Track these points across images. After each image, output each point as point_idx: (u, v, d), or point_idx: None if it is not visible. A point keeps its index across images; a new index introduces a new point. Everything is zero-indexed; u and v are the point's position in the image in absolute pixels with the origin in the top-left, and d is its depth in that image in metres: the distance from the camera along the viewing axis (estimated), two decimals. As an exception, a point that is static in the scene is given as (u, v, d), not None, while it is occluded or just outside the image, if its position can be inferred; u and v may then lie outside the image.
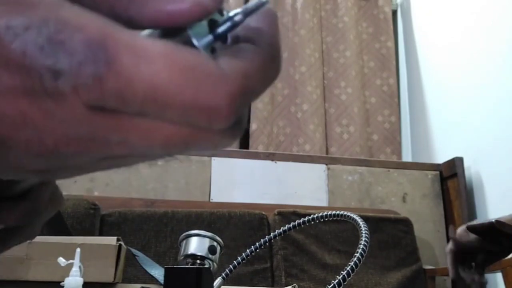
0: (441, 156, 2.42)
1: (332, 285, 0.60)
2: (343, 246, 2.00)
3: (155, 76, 0.15)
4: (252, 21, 0.18)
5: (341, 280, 0.59)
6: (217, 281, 0.72)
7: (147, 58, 0.15)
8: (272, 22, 0.19)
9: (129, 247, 1.09)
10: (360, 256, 0.62)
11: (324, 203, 2.25)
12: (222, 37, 0.18)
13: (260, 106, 2.59)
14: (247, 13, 0.17)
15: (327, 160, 2.38)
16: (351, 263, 0.61)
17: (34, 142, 0.16)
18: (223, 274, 0.74)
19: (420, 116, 2.77)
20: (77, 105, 0.15)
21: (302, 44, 2.76)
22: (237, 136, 0.18)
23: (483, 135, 2.16)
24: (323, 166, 2.31)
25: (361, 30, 2.95)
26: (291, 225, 0.76)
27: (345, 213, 0.73)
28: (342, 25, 2.86)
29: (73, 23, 0.15)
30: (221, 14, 0.18)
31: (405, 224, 2.10)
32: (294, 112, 2.67)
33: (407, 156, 2.82)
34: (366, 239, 0.64)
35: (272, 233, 0.77)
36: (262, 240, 0.76)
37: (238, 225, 1.95)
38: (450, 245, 0.79)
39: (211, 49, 0.18)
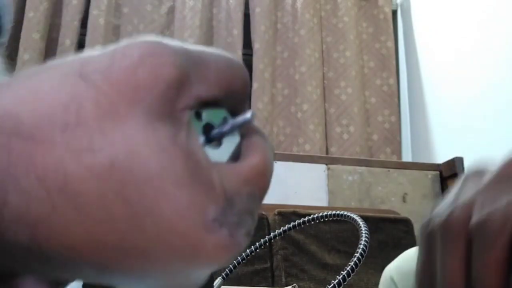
0: (441, 156, 2.42)
1: (332, 285, 0.60)
2: (343, 246, 2.00)
3: None
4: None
5: (341, 280, 0.59)
6: (217, 281, 0.72)
7: None
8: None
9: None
10: (360, 256, 0.62)
11: (324, 203, 2.25)
12: (213, 140, 0.20)
13: (260, 106, 2.59)
14: (234, 127, 0.20)
15: (327, 160, 2.38)
16: (351, 263, 0.61)
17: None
18: (223, 274, 0.74)
19: (420, 116, 2.77)
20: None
21: (302, 44, 2.75)
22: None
23: (483, 135, 2.16)
24: (323, 166, 2.31)
25: (361, 30, 2.95)
26: (291, 225, 0.76)
27: (345, 213, 0.73)
28: (342, 25, 2.86)
29: (238, 189, 0.18)
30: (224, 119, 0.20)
31: (405, 224, 2.10)
32: (294, 112, 2.67)
33: (407, 156, 2.82)
34: (366, 239, 0.64)
35: (272, 233, 0.77)
36: (262, 240, 0.76)
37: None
38: None
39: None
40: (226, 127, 0.20)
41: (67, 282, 0.19)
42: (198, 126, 0.19)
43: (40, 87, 0.16)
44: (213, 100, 0.19)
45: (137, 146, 0.16)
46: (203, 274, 0.19)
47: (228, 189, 0.18)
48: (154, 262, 0.17)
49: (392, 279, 0.78)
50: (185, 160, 0.17)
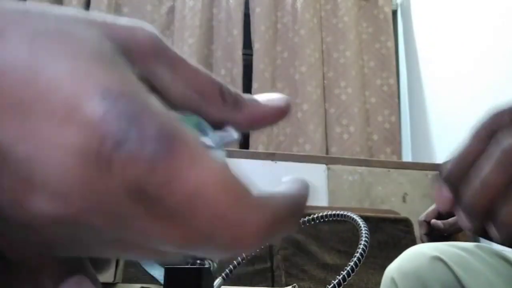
0: (441, 156, 2.42)
1: (332, 285, 0.60)
2: (343, 246, 2.00)
3: (202, 184, 0.16)
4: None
5: (341, 280, 0.59)
6: (217, 281, 0.72)
7: (203, 168, 0.16)
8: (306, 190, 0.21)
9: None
10: (360, 256, 0.62)
11: (324, 203, 2.25)
12: None
13: (260, 106, 2.59)
14: (218, 144, 0.20)
15: (327, 160, 2.38)
16: (351, 263, 0.61)
17: (58, 202, 0.16)
18: (223, 274, 0.74)
19: (420, 116, 2.77)
20: (117, 181, 0.16)
21: (302, 44, 2.75)
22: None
23: (483, 135, 2.16)
24: (323, 166, 2.31)
25: (361, 30, 2.95)
26: (291, 225, 0.76)
27: (345, 213, 0.73)
28: (342, 25, 2.86)
29: (155, 109, 0.16)
30: (202, 131, 0.20)
31: (405, 224, 2.10)
32: (294, 112, 2.67)
33: (407, 156, 2.82)
34: (366, 239, 0.64)
35: (272, 233, 0.77)
36: (262, 240, 0.76)
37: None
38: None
39: None
40: (213, 144, 0.20)
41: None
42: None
43: None
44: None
45: None
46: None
47: (151, 102, 0.17)
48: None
49: (393, 280, 0.78)
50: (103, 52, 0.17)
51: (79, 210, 0.16)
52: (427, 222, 0.86)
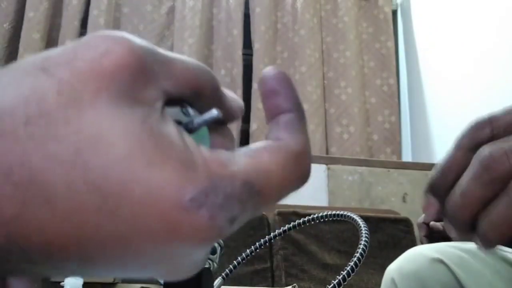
0: (441, 156, 2.41)
1: (332, 285, 0.60)
2: (343, 246, 2.00)
3: (280, 180, 0.20)
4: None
5: (341, 280, 0.59)
6: (217, 281, 0.72)
7: (270, 171, 0.19)
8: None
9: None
10: (360, 256, 0.62)
11: (324, 203, 2.25)
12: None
13: (260, 106, 2.59)
14: (200, 123, 0.20)
15: (327, 160, 2.38)
16: (351, 263, 0.61)
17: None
18: (223, 274, 0.74)
19: (420, 116, 2.77)
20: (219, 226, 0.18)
21: (302, 44, 2.75)
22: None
23: (483, 135, 2.16)
24: (323, 166, 2.31)
25: (361, 30, 2.95)
26: (291, 225, 0.76)
27: (345, 213, 0.73)
28: (342, 25, 2.86)
29: (228, 173, 0.18)
30: (184, 112, 0.21)
31: (405, 224, 2.10)
32: (294, 112, 2.67)
33: (407, 156, 2.82)
34: (366, 239, 0.64)
35: (272, 233, 0.77)
36: (262, 240, 0.76)
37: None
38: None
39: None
40: (195, 124, 0.20)
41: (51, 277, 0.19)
42: None
43: (0, 85, 0.16)
44: (180, 98, 0.20)
45: (103, 130, 0.16)
46: (189, 259, 0.18)
47: (216, 172, 0.17)
48: (134, 247, 0.16)
49: (393, 281, 0.78)
50: (155, 141, 0.16)
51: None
52: (427, 224, 0.86)
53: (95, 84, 0.16)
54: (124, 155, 0.16)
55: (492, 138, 0.33)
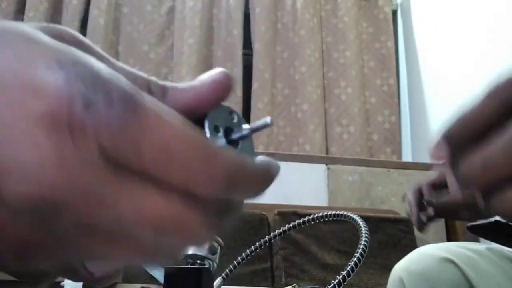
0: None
1: (332, 285, 0.60)
2: (343, 246, 2.00)
3: (171, 137, 0.17)
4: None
5: (341, 280, 0.59)
6: (217, 281, 0.72)
7: (169, 123, 0.17)
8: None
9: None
10: (360, 256, 0.62)
11: (324, 203, 2.25)
12: (233, 143, 0.22)
13: (260, 106, 2.59)
14: (253, 130, 0.21)
15: (327, 160, 2.38)
16: (351, 263, 0.61)
17: (32, 182, 0.15)
18: (223, 274, 0.74)
19: (420, 116, 2.77)
20: (92, 147, 0.16)
21: (302, 44, 2.75)
22: (222, 225, 0.20)
23: (483, 135, 2.16)
24: (323, 166, 2.31)
25: (361, 30, 2.95)
26: (291, 225, 0.76)
27: (345, 213, 0.73)
28: (342, 25, 2.86)
29: (111, 74, 0.17)
30: (232, 116, 0.22)
31: (405, 224, 2.10)
32: (294, 112, 2.67)
33: (407, 156, 2.82)
34: (366, 239, 0.64)
35: (272, 233, 0.77)
36: (262, 240, 0.76)
37: (238, 225, 1.95)
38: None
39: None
40: (245, 132, 0.21)
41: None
42: (216, 137, 0.21)
43: None
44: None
45: None
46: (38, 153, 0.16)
47: (107, 70, 0.17)
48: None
49: (401, 279, 0.78)
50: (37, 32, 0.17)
51: (54, 189, 0.16)
52: (420, 191, 0.84)
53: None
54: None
55: None
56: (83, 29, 2.51)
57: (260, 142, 2.56)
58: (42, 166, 0.15)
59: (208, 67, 2.66)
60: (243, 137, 0.21)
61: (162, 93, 0.21)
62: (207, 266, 0.64)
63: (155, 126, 0.16)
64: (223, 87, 0.21)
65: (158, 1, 2.76)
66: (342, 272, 0.60)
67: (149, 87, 0.21)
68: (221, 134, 0.21)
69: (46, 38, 0.18)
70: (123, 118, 0.16)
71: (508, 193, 0.25)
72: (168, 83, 0.22)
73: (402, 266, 0.80)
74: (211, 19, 2.76)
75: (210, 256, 0.65)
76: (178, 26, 2.67)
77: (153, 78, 0.22)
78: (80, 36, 0.21)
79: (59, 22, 2.52)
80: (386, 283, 0.83)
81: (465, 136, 0.28)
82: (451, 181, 0.31)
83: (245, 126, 0.21)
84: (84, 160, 0.16)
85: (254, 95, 2.60)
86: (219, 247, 0.67)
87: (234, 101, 2.51)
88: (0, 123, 0.15)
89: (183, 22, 2.67)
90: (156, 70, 2.61)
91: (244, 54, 2.70)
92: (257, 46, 2.70)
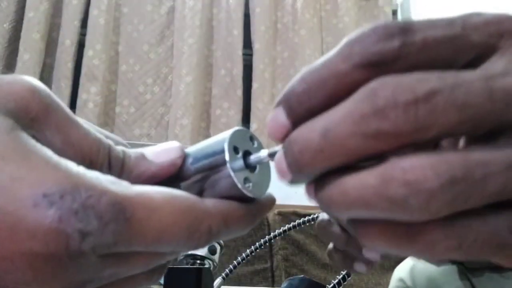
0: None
1: (332, 285, 0.60)
2: (343, 246, 2.00)
3: (163, 223, 0.19)
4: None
5: (341, 280, 0.60)
6: (217, 281, 0.72)
7: (156, 209, 0.19)
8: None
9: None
10: (360, 256, 0.62)
11: (324, 203, 2.24)
12: (251, 167, 0.23)
13: (260, 106, 2.59)
14: (271, 155, 0.22)
15: (327, 160, 2.38)
16: (351, 263, 0.61)
17: None
18: (223, 274, 0.74)
19: (420, 116, 2.77)
20: (91, 258, 0.18)
21: (302, 44, 2.76)
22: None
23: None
24: (323, 166, 2.31)
25: (361, 30, 2.95)
26: (291, 225, 0.76)
27: (345, 213, 0.73)
28: (342, 25, 2.86)
29: (99, 188, 0.17)
30: (252, 142, 0.23)
31: (405, 224, 2.10)
32: (294, 112, 2.67)
33: (407, 156, 2.82)
34: (366, 239, 0.64)
35: (272, 233, 0.77)
36: (262, 240, 0.76)
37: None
38: None
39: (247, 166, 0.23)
40: (263, 158, 0.22)
41: None
42: (235, 158, 0.22)
43: None
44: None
45: None
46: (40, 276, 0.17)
47: (83, 180, 0.17)
48: None
49: (402, 280, 0.78)
50: (19, 145, 0.17)
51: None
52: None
53: None
54: None
55: (398, 58, 0.19)
56: (83, 29, 2.51)
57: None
58: (43, 282, 0.18)
59: (208, 67, 2.66)
60: (261, 162, 0.22)
61: (120, 168, 0.22)
62: (207, 266, 0.64)
63: (147, 220, 0.18)
64: (171, 169, 0.23)
65: (158, 1, 2.76)
66: (342, 272, 0.60)
67: (109, 158, 0.22)
68: (240, 156, 0.22)
69: (19, 146, 0.17)
70: (117, 232, 0.17)
71: (351, 181, 0.17)
72: (126, 153, 0.23)
73: (404, 267, 0.80)
74: (211, 19, 2.76)
75: (210, 256, 0.65)
76: (178, 26, 2.67)
77: (114, 149, 0.22)
78: (46, 96, 0.20)
79: (59, 22, 2.52)
80: (386, 283, 0.83)
81: (307, 103, 0.19)
82: (280, 161, 0.21)
83: (264, 152, 0.22)
84: (84, 267, 0.18)
85: (254, 95, 2.60)
86: (219, 247, 0.66)
87: (234, 101, 2.51)
88: None
89: (183, 22, 2.67)
90: (156, 70, 2.61)
91: (244, 54, 2.70)
92: (257, 46, 2.70)
